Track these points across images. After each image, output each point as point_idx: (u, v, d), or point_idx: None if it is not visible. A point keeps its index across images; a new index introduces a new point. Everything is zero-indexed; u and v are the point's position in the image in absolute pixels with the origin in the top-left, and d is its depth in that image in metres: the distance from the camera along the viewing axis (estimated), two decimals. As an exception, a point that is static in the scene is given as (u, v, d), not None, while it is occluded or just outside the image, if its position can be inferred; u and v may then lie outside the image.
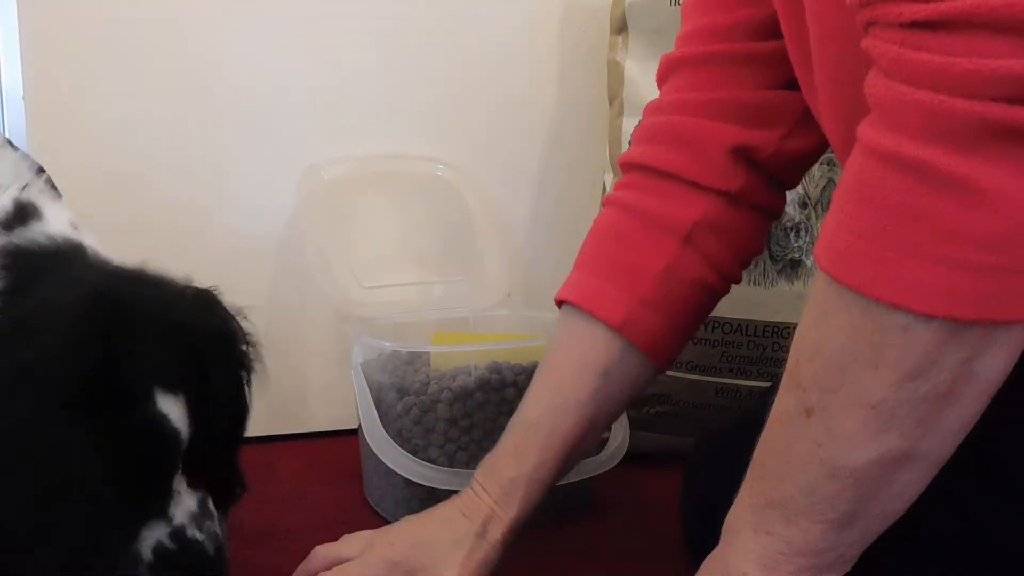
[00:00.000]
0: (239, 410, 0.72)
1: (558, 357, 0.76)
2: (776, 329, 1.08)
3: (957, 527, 0.60)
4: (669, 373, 1.10)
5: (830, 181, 1.07)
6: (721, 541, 0.56)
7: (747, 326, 1.08)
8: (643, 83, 1.11)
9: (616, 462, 0.96)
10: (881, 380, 0.46)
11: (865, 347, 0.46)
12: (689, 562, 0.58)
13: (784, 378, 0.51)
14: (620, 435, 0.98)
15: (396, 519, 0.94)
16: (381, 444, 0.91)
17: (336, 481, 1.07)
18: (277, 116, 1.16)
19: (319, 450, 1.20)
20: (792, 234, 1.08)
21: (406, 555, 0.72)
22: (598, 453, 0.96)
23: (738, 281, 0.79)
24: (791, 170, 0.76)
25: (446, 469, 0.90)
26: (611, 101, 1.17)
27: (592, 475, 0.94)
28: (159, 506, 0.66)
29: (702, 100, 0.73)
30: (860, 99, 0.46)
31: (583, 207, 1.24)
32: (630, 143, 0.81)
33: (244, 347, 0.73)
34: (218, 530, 0.68)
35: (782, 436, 0.52)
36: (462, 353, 0.95)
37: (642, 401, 1.11)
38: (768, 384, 1.04)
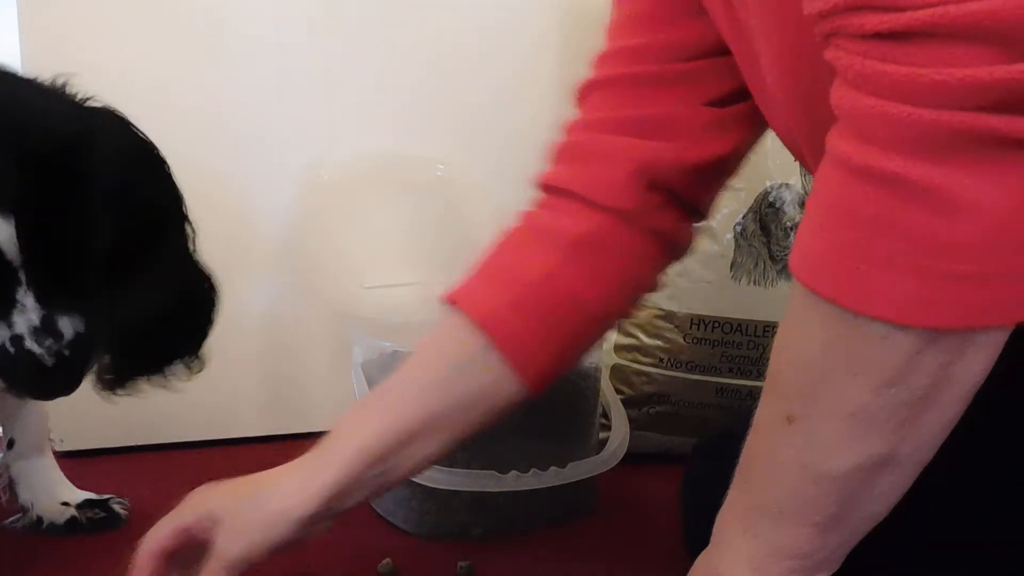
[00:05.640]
0: (87, 229, 0.71)
1: (419, 348, 0.72)
2: (776, 329, 1.08)
3: (953, 525, 0.60)
4: (669, 373, 1.11)
5: (830, 181, 1.07)
6: (711, 542, 0.56)
7: (747, 326, 1.08)
8: (643, 83, 1.11)
9: (616, 462, 0.96)
10: (860, 388, 0.46)
11: (843, 356, 0.46)
12: (689, 562, 0.58)
13: (765, 385, 0.52)
14: (620, 435, 0.98)
15: (396, 519, 0.95)
16: (381, 444, 0.90)
17: (336, 481, 1.07)
18: (277, 117, 1.16)
19: (319, 450, 1.20)
20: (792, 234, 1.08)
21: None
22: (598, 453, 0.96)
23: (626, 315, 0.74)
24: (698, 188, 0.72)
25: (446, 469, 0.90)
26: (611, 101, 1.17)
27: (592, 475, 0.94)
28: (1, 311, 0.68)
29: (607, 118, 0.72)
30: (824, 110, 0.46)
31: (583, 207, 1.24)
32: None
33: (92, 159, 0.70)
34: (66, 351, 0.70)
35: (765, 442, 0.52)
36: (462, 353, 0.95)
37: (642, 401, 1.11)
38: (768, 384, 1.04)
